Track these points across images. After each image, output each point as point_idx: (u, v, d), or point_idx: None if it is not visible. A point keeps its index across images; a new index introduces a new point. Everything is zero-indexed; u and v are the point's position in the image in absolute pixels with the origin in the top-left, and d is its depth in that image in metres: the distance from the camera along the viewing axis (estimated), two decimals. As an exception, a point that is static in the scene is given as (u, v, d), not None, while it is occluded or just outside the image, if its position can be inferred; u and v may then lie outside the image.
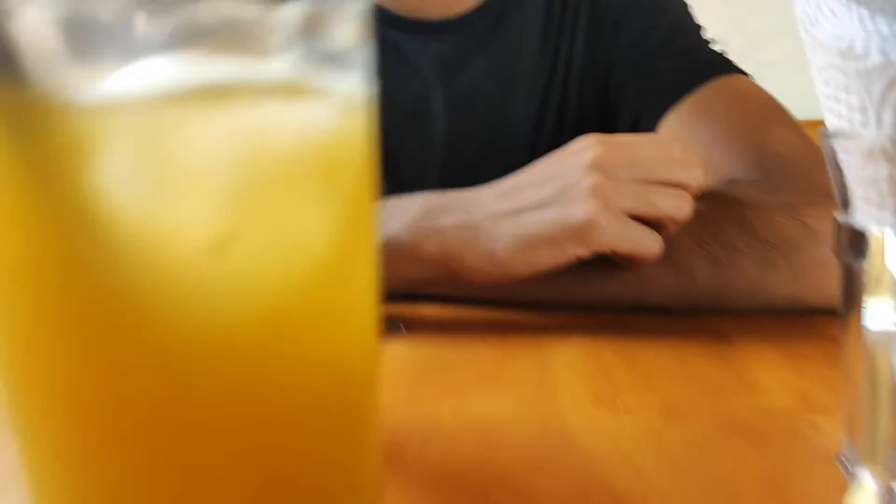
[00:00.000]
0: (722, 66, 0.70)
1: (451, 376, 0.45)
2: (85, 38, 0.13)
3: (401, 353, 0.49)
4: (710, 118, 0.66)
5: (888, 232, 0.25)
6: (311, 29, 0.15)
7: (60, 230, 0.14)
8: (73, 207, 0.13)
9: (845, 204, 0.28)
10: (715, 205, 0.56)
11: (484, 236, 0.52)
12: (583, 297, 0.56)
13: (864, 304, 0.26)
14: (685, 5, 0.78)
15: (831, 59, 0.26)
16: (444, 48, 0.76)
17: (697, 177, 0.53)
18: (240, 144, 0.14)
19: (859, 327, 0.27)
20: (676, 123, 0.68)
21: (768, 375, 0.44)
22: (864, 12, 0.25)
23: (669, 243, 0.54)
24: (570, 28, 0.77)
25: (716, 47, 0.74)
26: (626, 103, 0.75)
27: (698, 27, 0.76)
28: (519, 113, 0.77)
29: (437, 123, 0.77)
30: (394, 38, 0.76)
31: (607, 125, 0.76)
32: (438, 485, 0.32)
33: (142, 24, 0.14)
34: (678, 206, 0.52)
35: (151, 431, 0.15)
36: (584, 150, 0.52)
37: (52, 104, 0.14)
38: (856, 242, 0.27)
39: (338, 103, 0.16)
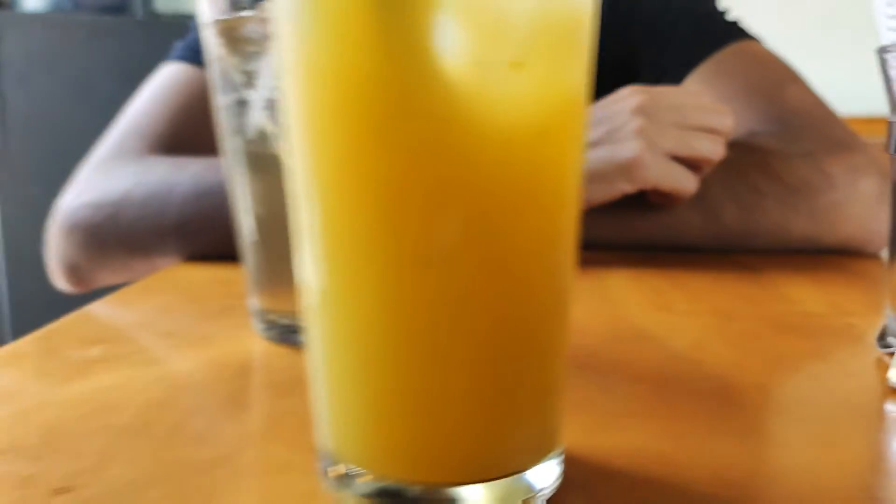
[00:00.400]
0: (738, 32, 0.76)
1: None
2: None
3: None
4: (731, 77, 0.71)
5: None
6: None
7: (420, 80, 0.18)
8: (434, 58, 0.18)
9: (895, 108, 0.34)
10: (740, 152, 0.62)
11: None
12: (623, 237, 0.61)
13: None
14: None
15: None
16: None
17: (729, 123, 0.58)
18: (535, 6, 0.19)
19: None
20: (698, 83, 0.73)
21: (799, 292, 0.50)
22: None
23: (700, 186, 0.59)
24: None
25: (730, 17, 0.79)
26: (647, 70, 0.80)
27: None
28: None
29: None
30: None
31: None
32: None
33: None
34: (713, 149, 0.57)
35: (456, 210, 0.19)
36: (629, 96, 0.57)
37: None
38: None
39: None
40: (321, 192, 0.21)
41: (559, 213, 0.22)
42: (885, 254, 0.39)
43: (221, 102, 0.39)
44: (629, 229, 0.61)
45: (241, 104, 0.37)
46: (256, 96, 0.36)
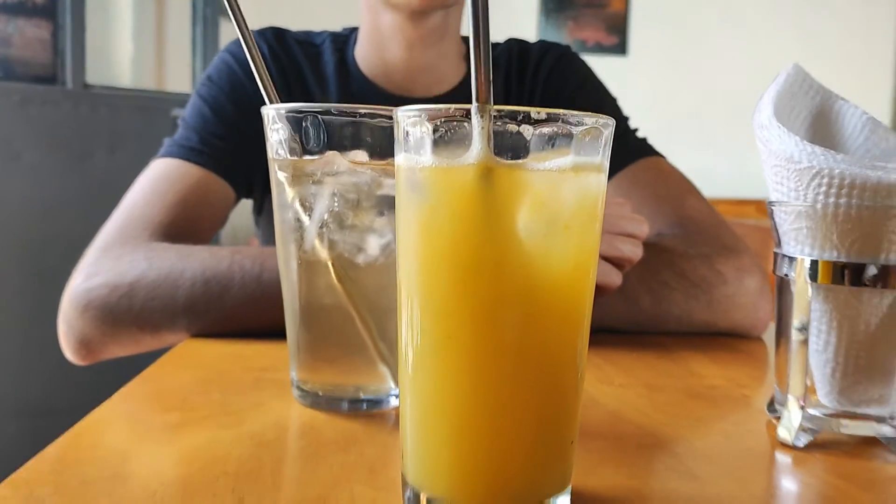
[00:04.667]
0: (647, 149, 0.92)
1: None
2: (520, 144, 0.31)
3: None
4: (642, 188, 0.87)
5: (804, 257, 0.45)
6: (607, 140, 0.33)
7: (502, 234, 0.31)
8: (513, 220, 0.30)
9: (779, 243, 0.48)
10: (653, 252, 0.76)
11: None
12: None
13: (793, 295, 0.46)
14: (615, 99, 1.00)
15: (778, 161, 0.46)
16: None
17: (645, 230, 0.73)
18: (585, 187, 0.32)
19: (789, 311, 0.46)
20: (615, 192, 0.89)
21: (703, 368, 0.64)
22: (797, 138, 0.45)
23: (622, 280, 0.73)
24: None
25: (639, 134, 0.96)
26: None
27: (626, 118, 0.98)
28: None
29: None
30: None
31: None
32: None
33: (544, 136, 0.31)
34: (634, 251, 0.71)
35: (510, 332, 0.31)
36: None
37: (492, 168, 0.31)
38: (787, 263, 0.46)
39: (605, 174, 0.34)
40: (427, 301, 0.33)
41: (582, 316, 0.34)
42: (771, 340, 0.53)
43: (280, 216, 0.50)
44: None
45: (298, 221, 0.48)
46: (314, 220, 0.48)
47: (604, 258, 0.71)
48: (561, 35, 3.45)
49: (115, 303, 0.68)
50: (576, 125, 0.33)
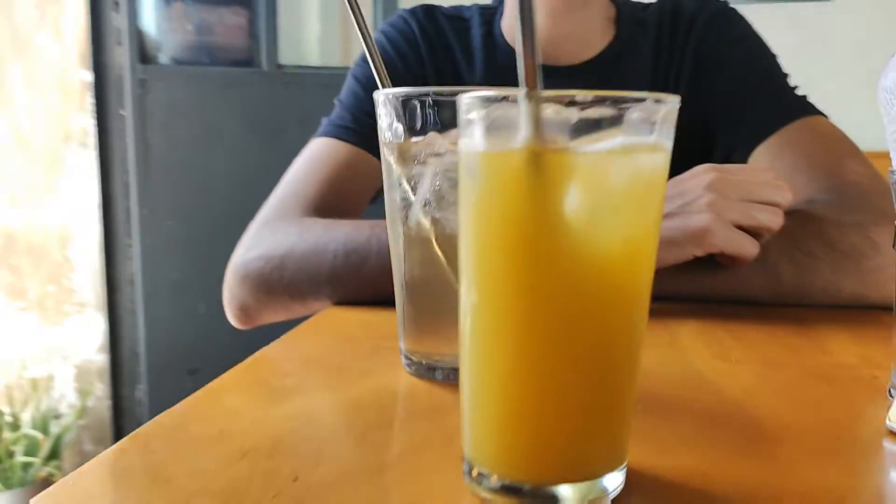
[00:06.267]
0: (805, 108, 0.86)
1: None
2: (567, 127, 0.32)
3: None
4: (795, 151, 0.82)
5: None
6: (666, 118, 0.33)
7: (550, 217, 0.32)
8: (562, 203, 0.32)
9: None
10: (799, 220, 0.72)
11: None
12: (695, 291, 0.73)
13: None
14: (774, 56, 0.94)
15: None
16: (571, 88, 0.93)
17: (788, 198, 0.69)
18: (636, 169, 0.32)
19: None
20: (767, 154, 0.84)
21: (838, 345, 0.60)
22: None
23: (763, 250, 0.70)
24: (675, 74, 0.94)
25: (799, 92, 0.89)
26: (722, 136, 0.91)
27: (785, 75, 0.92)
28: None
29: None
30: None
31: (704, 154, 0.93)
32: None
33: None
34: (773, 220, 0.68)
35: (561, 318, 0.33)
36: (702, 174, 0.69)
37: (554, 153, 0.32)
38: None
39: (667, 154, 0.34)
40: (482, 282, 0.34)
41: (634, 295, 0.35)
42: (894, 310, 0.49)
43: (389, 196, 0.53)
44: (701, 286, 0.73)
45: (405, 199, 0.51)
46: (418, 198, 0.51)
47: (739, 227, 0.68)
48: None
49: (269, 274, 0.75)
50: (623, 106, 0.33)
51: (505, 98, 0.33)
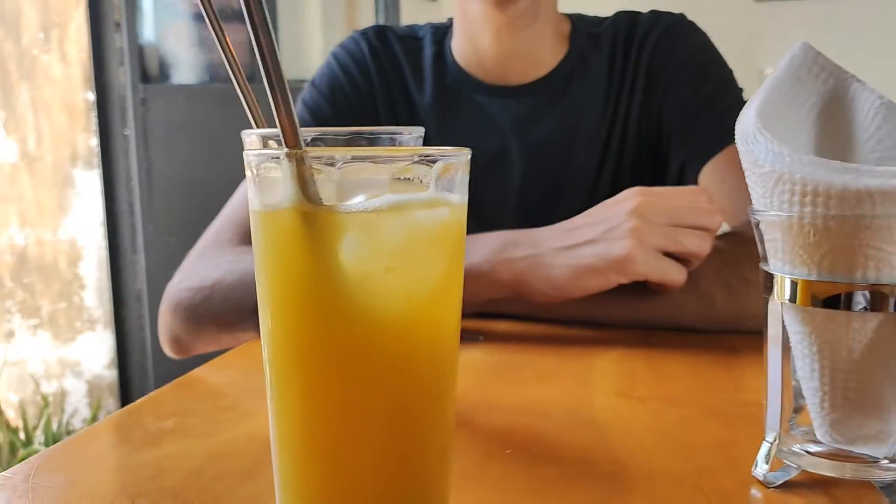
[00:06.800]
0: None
1: (514, 373, 0.60)
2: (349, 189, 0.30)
3: (478, 356, 0.64)
4: (739, 171, 0.79)
5: (783, 275, 0.39)
6: (443, 174, 0.31)
7: (322, 278, 0.30)
8: (331, 264, 0.30)
9: (764, 257, 0.42)
10: (734, 243, 0.69)
11: (546, 266, 0.67)
12: (623, 316, 0.71)
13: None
14: (729, 71, 0.91)
15: (747, 164, 0.40)
16: (521, 108, 0.92)
17: (717, 222, 0.67)
18: (409, 226, 0.31)
19: (777, 342, 0.41)
20: (713, 174, 0.82)
21: (754, 380, 0.57)
22: (766, 136, 0.40)
23: (695, 274, 0.67)
24: (629, 90, 0.91)
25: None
26: (673, 152, 0.88)
27: (739, 90, 0.89)
28: (582, 162, 0.92)
29: (513, 170, 0.92)
30: (480, 100, 0.92)
31: (659, 170, 0.90)
32: (495, 441, 0.47)
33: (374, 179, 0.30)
34: (700, 245, 0.66)
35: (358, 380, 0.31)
36: (627, 199, 0.67)
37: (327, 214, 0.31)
38: (768, 281, 0.41)
39: (452, 207, 0.32)
40: (275, 344, 0.33)
41: (423, 356, 0.33)
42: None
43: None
44: (635, 312, 0.71)
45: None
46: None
47: (666, 253, 0.66)
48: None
49: (198, 304, 0.74)
50: (389, 163, 0.31)
51: (273, 157, 0.32)
